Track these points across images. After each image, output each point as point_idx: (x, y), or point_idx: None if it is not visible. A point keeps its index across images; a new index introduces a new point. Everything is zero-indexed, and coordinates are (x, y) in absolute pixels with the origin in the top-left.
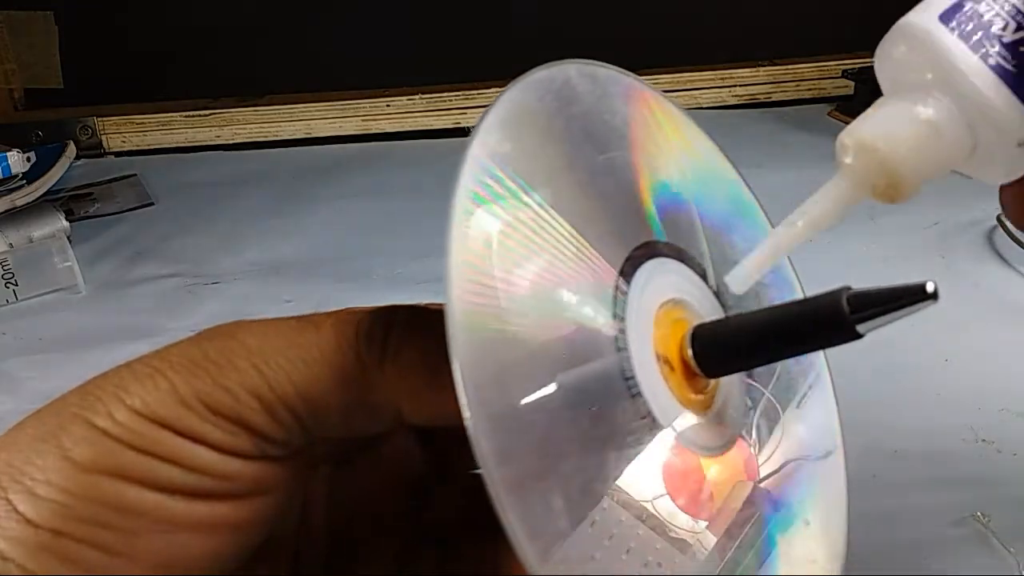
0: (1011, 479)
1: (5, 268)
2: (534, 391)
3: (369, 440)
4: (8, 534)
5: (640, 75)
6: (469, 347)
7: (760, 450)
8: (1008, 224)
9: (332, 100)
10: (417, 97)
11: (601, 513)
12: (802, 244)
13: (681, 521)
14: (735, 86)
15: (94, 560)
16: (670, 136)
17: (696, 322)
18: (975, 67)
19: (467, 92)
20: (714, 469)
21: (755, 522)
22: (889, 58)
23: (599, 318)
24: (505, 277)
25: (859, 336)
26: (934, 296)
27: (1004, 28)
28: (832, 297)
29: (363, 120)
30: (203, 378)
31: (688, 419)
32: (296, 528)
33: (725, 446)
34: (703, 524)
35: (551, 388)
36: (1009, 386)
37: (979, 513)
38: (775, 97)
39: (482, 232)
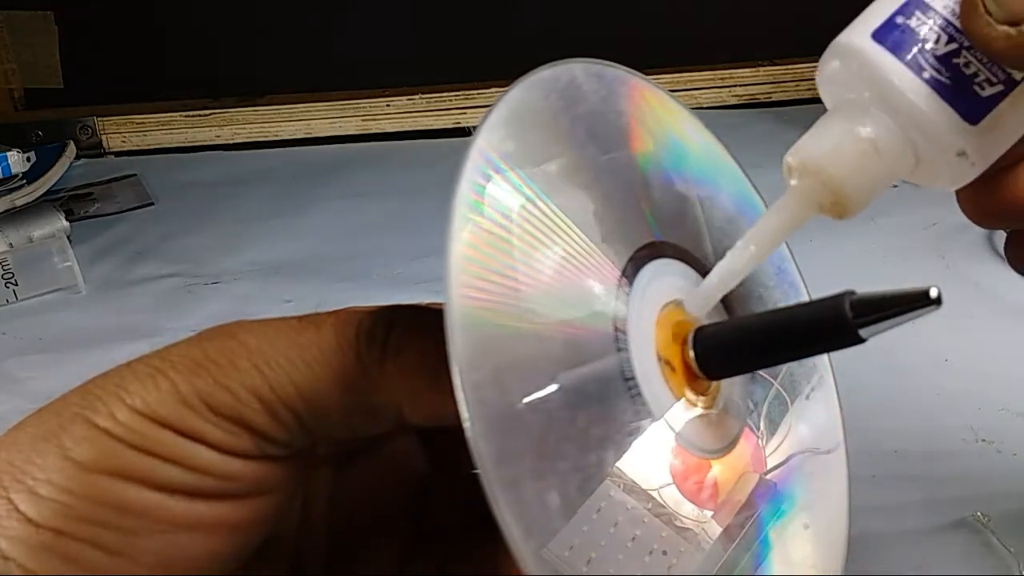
0: (1011, 479)
1: (5, 268)
2: (534, 391)
3: (370, 440)
4: (9, 533)
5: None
6: (468, 347)
7: (766, 444)
8: None
9: (332, 100)
10: (417, 97)
11: (607, 500)
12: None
13: (687, 510)
14: (735, 86)
15: (95, 560)
16: (676, 135)
17: (698, 324)
18: (909, 82)
19: (467, 92)
20: (717, 468)
21: (754, 522)
22: (828, 78)
23: (600, 318)
24: (506, 275)
25: (862, 341)
26: (937, 302)
27: (936, 41)
28: (835, 301)
29: (363, 120)
30: (204, 378)
31: (688, 420)
32: (297, 528)
33: (726, 448)
34: (708, 513)
35: (551, 388)
36: (1009, 386)
37: (979, 513)
38: (775, 97)
39: (483, 229)
